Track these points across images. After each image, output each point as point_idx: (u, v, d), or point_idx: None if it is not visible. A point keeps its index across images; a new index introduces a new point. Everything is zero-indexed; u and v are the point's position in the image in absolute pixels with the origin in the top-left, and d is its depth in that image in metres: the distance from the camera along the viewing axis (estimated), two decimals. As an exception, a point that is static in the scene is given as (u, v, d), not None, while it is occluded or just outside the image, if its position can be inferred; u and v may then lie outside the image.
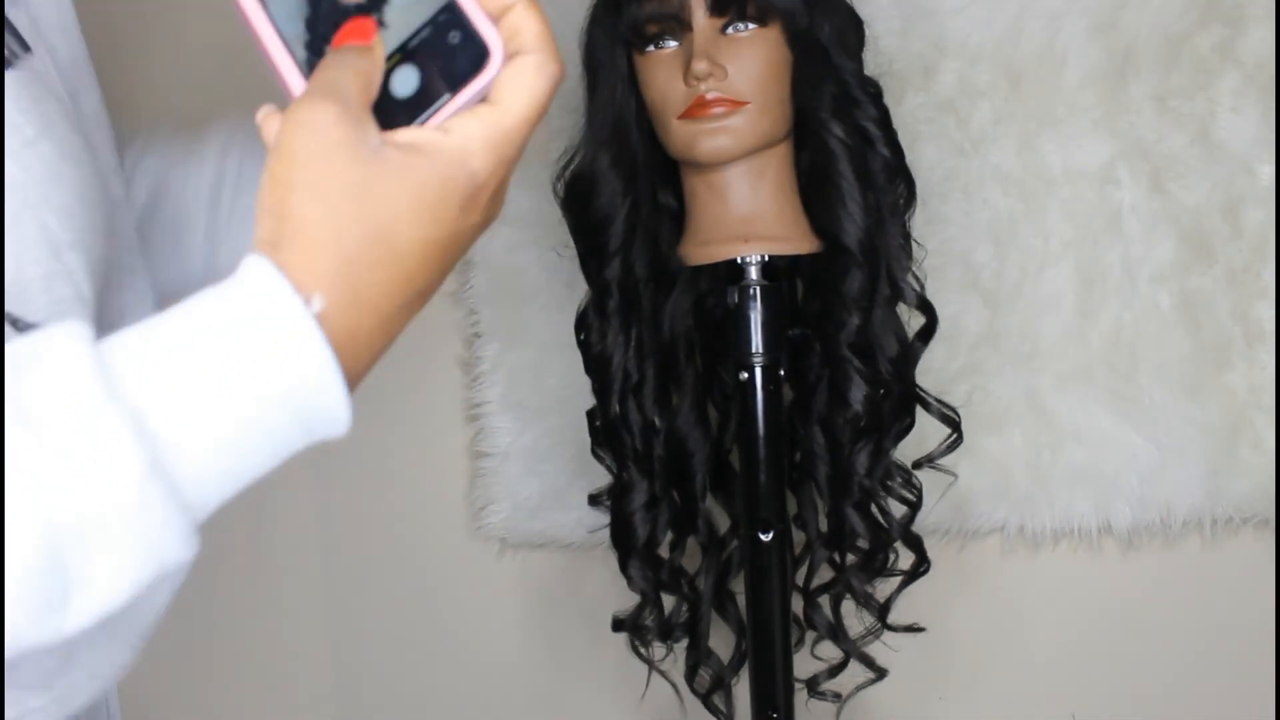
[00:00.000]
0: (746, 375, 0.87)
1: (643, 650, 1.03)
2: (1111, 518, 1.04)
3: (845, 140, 0.82)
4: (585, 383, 0.96)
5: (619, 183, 0.87)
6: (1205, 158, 0.99)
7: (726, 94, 0.80)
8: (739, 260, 0.86)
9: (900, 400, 0.90)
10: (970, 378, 1.04)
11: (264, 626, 1.26)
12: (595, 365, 0.92)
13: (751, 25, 0.81)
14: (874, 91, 0.87)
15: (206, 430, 0.36)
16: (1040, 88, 1.01)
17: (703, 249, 0.87)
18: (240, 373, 0.35)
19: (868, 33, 0.91)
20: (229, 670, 1.26)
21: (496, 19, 0.40)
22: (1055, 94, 1.01)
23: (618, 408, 0.91)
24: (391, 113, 0.39)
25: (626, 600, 1.03)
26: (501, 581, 1.24)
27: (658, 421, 0.92)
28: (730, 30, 0.81)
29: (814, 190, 0.85)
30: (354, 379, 0.38)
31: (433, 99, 0.40)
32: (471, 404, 1.20)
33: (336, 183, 0.36)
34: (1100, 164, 1.01)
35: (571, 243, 0.94)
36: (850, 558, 0.96)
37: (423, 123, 0.39)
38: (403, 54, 0.40)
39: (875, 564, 0.95)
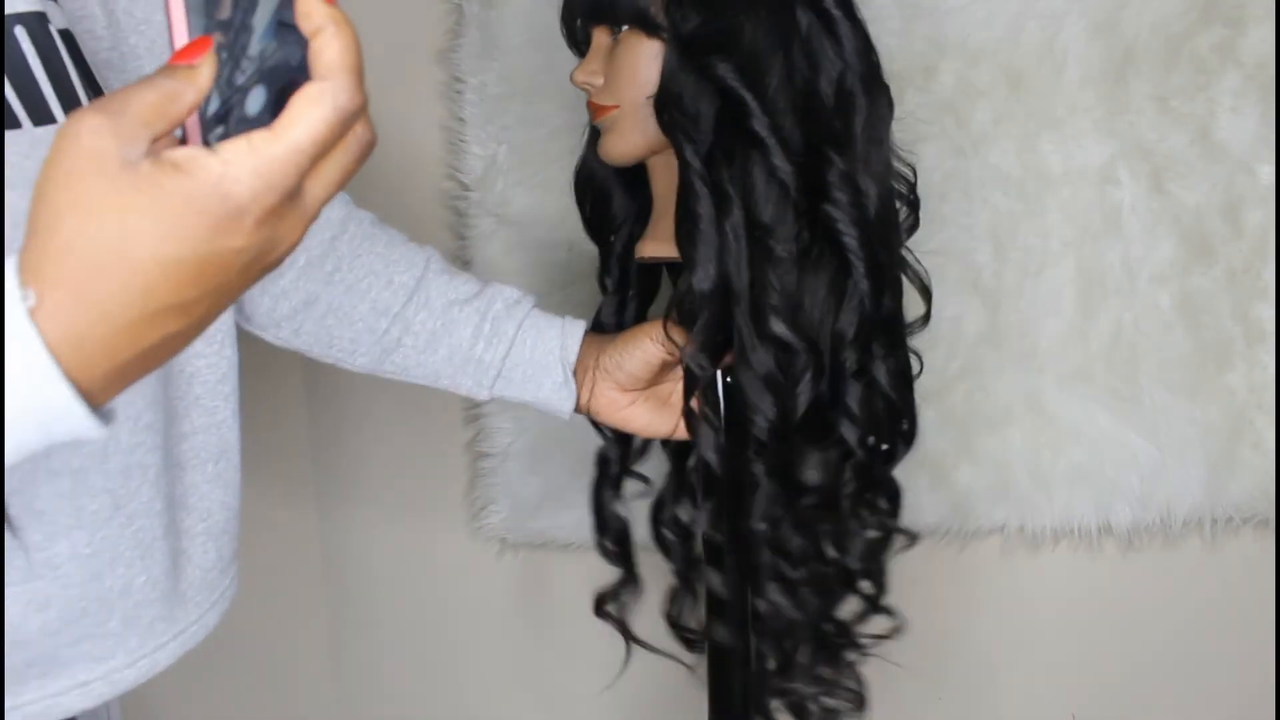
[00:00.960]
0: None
1: (618, 625, 1.00)
2: (1111, 518, 1.04)
3: (689, 158, 0.74)
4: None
5: (606, 173, 0.90)
6: (1205, 158, 0.99)
7: (596, 99, 0.81)
8: None
9: (780, 458, 0.78)
10: (970, 378, 1.04)
11: (265, 627, 1.26)
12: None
13: (624, 28, 0.79)
14: (787, 100, 0.74)
15: None
16: (1040, 88, 1.01)
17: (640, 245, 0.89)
18: None
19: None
20: (230, 671, 1.25)
21: (310, 42, 0.39)
22: (1055, 94, 1.00)
23: None
24: (240, 131, 0.39)
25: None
26: (501, 581, 1.24)
27: None
28: (617, 35, 0.81)
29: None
30: (94, 383, 0.38)
31: (262, 120, 0.40)
32: (471, 404, 1.20)
33: (74, 192, 0.36)
34: (1100, 164, 1.01)
35: (575, 241, 0.95)
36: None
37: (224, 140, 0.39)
38: (259, 74, 0.39)
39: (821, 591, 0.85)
